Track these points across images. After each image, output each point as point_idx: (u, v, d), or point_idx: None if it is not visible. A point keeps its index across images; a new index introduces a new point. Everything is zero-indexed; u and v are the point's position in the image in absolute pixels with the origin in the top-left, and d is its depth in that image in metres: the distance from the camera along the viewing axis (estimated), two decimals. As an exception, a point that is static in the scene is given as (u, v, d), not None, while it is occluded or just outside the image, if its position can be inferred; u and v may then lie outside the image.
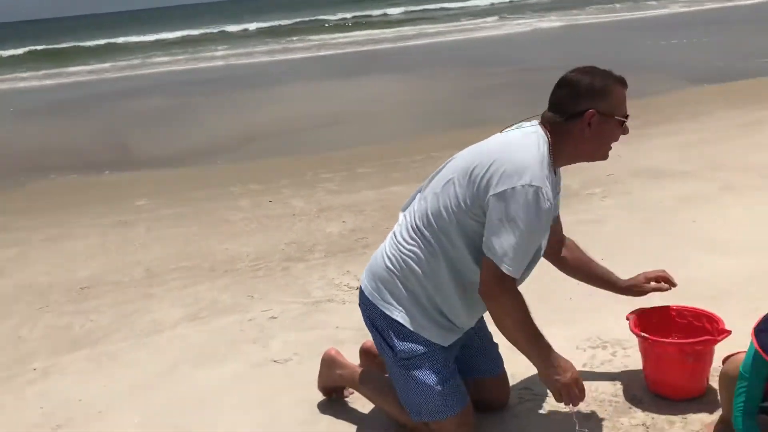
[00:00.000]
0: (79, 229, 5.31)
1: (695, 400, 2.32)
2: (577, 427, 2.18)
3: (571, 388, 2.04)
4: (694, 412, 2.26)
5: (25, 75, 19.71)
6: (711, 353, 2.32)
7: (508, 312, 2.02)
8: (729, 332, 2.26)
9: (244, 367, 2.93)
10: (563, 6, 27.37)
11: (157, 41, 28.82)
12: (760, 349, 1.82)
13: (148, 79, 16.28)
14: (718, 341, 2.27)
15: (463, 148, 2.18)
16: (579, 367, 2.59)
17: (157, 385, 2.85)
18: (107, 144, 8.99)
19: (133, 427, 2.56)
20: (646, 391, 2.40)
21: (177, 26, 36.61)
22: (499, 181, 1.95)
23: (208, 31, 31.34)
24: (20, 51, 28.07)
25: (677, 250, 3.67)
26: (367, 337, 2.35)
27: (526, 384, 2.51)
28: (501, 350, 2.38)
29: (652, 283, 2.45)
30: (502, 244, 1.94)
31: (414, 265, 2.11)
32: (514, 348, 2.10)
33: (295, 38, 24.29)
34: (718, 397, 2.17)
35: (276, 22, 32.82)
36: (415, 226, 2.14)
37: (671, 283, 2.45)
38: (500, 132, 2.14)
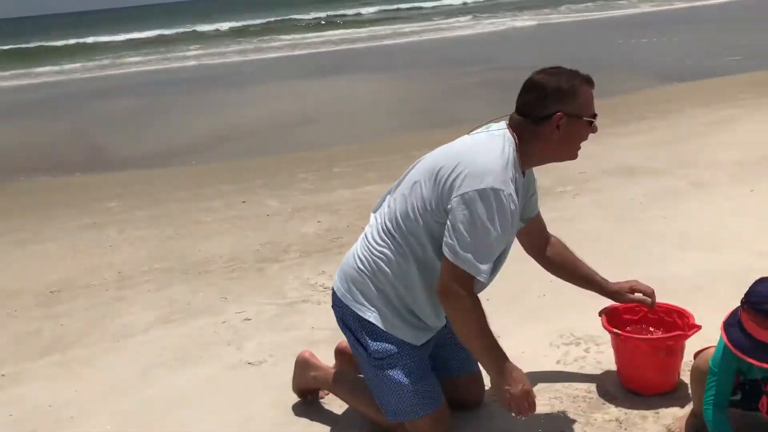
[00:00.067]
0: (48, 232, 5.22)
1: (667, 394, 2.35)
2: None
3: (521, 401, 2.02)
4: (666, 407, 2.29)
5: (-9, 75, 19.35)
6: (682, 348, 2.35)
7: (463, 314, 2.01)
8: (699, 327, 2.29)
9: (219, 369, 2.90)
10: (536, 5, 27.60)
11: (127, 41, 28.42)
12: (729, 344, 1.86)
13: (119, 79, 16.06)
14: (689, 336, 2.30)
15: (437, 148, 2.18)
16: (552, 364, 2.63)
17: (130, 390, 2.81)
18: (77, 145, 8.86)
19: (105, 433, 2.52)
20: (619, 386, 2.42)
21: (148, 26, 36.13)
22: (462, 183, 1.95)
23: (179, 30, 31.02)
24: (-14, 51, 27.57)
25: (648, 246, 3.72)
26: (342, 338, 2.35)
27: (501, 382, 2.51)
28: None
29: (637, 295, 2.41)
30: (462, 245, 1.94)
31: (384, 266, 2.11)
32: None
33: (267, 38, 24.13)
34: (689, 392, 2.20)
35: (248, 21, 32.60)
36: (385, 228, 2.14)
37: (651, 304, 2.41)
38: (468, 134, 2.14)
